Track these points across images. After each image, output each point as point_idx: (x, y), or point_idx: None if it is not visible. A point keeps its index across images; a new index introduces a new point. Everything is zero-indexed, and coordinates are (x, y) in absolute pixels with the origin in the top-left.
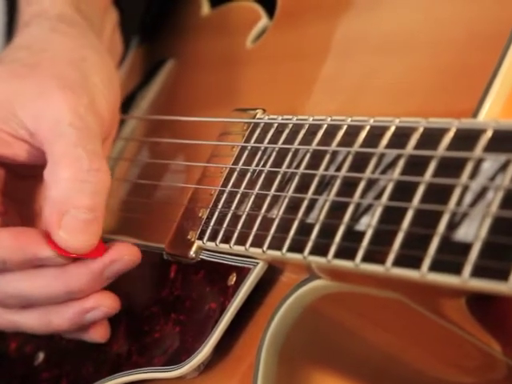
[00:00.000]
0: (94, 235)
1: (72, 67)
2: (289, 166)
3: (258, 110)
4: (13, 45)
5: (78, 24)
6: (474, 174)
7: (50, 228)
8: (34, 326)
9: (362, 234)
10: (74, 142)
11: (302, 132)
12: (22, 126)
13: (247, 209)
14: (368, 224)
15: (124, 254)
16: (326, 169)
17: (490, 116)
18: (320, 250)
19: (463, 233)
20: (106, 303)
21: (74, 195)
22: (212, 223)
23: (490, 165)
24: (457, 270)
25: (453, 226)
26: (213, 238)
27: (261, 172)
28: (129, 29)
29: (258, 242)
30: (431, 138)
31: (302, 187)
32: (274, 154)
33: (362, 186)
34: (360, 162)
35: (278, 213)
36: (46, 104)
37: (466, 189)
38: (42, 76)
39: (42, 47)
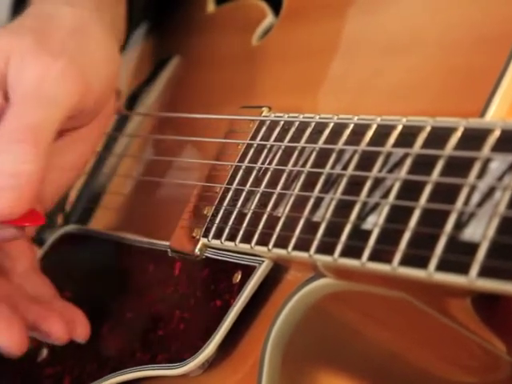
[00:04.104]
0: (13, 201)
1: (69, 36)
2: (295, 164)
3: (264, 108)
4: (23, 13)
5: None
6: (481, 174)
7: None
8: None
9: (368, 233)
10: (14, 116)
11: (309, 130)
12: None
13: (253, 207)
14: (375, 223)
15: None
16: (333, 167)
17: (496, 117)
18: (326, 248)
19: (470, 233)
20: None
21: None
22: (217, 221)
23: (497, 165)
24: (464, 269)
25: (460, 225)
26: (218, 235)
27: (267, 170)
28: (132, 22)
29: (263, 240)
30: (438, 137)
31: (308, 185)
32: (280, 152)
33: (368, 184)
34: (367, 161)
35: (283, 211)
36: (23, 69)
37: (473, 189)
38: (31, 40)
39: (50, 15)
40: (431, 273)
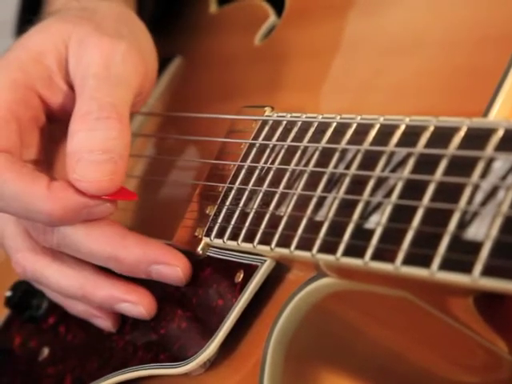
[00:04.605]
0: (111, 174)
1: (119, 23)
2: (297, 164)
3: (266, 108)
4: (53, 12)
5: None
6: (484, 174)
7: (68, 176)
8: (62, 283)
9: (371, 232)
10: (91, 94)
11: (311, 130)
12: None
13: (255, 206)
14: (377, 222)
15: (178, 264)
16: (336, 167)
17: (499, 116)
18: (329, 248)
19: (474, 232)
20: (145, 305)
21: (86, 143)
22: (220, 220)
23: (501, 164)
24: (467, 269)
25: (463, 224)
26: (220, 234)
27: (269, 169)
28: None
29: (265, 240)
30: (442, 136)
31: (311, 185)
32: (283, 151)
33: (371, 184)
34: (369, 161)
35: (286, 210)
36: (84, 51)
37: (476, 188)
38: (88, 26)
39: (94, 9)
40: (434, 272)
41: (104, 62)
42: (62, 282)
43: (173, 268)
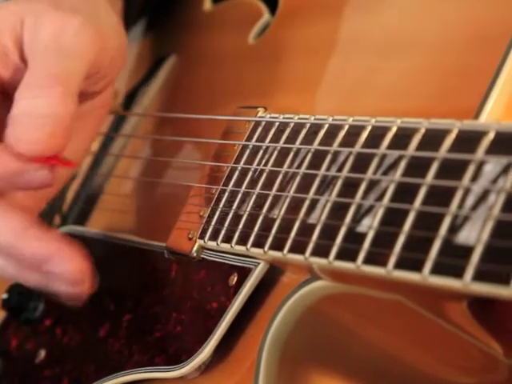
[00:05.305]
0: (48, 136)
1: (80, 2)
2: (290, 166)
3: (259, 109)
4: None
5: None
6: (475, 177)
7: (5, 140)
8: None
9: (363, 236)
10: (40, 67)
11: (304, 131)
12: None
13: (248, 208)
14: (369, 225)
15: (71, 264)
16: (328, 169)
17: (492, 116)
18: (321, 251)
19: (465, 236)
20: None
21: (26, 109)
22: (213, 222)
23: (491, 167)
24: (458, 273)
25: (454, 228)
26: (214, 237)
27: (262, 171)
28: (128, 21)
29: (259, 242)
30: (433, 139)
31: (304, 187)
32: (276, 153)
33: (363, 186)
34: (361, 163)
35: (279, 213)
36: (38, 28)
37: (467, 191)
38: (44, 3)
39: None
40: (426, 276)
41: (54, 36)
42: None
43: (63, 267)
